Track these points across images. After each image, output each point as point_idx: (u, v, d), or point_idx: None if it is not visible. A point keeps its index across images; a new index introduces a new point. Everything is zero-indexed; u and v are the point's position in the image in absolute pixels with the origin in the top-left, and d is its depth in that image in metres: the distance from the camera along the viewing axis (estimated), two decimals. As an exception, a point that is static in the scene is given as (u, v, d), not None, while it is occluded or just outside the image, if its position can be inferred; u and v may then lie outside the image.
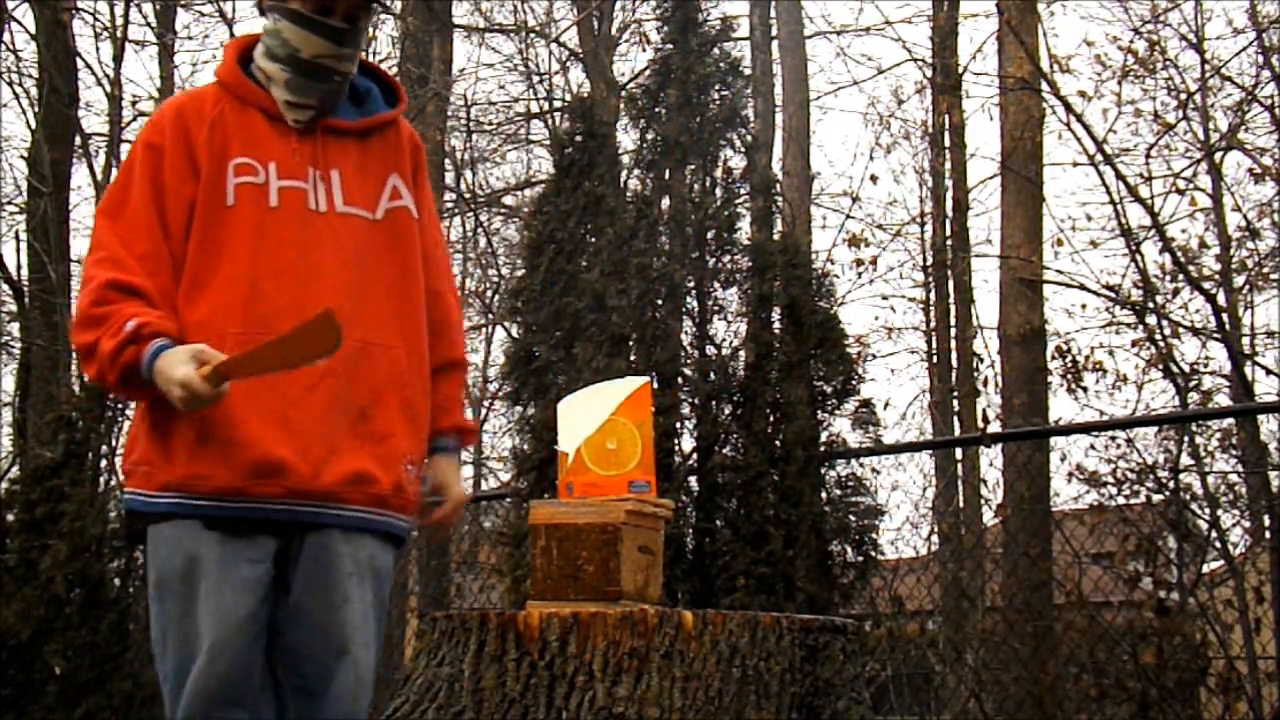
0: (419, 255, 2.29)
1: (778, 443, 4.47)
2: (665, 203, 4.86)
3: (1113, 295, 8.94)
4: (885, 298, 15.43)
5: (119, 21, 9.56)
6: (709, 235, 4.77)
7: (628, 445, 2.36)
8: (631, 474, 2.35)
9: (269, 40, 2.23)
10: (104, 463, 5.79)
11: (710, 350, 4.72)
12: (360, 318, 2.15)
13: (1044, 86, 8.40)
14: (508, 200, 14.59)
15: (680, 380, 4.62)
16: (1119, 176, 8.04)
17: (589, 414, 2.42)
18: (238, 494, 2.09)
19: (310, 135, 2.22)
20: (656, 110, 4.95)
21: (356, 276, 2.19)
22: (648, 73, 5.25)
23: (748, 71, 6.28)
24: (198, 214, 2.16)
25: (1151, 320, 8.17)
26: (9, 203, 10.44)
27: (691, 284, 4.72)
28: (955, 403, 11.75)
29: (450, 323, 2.38)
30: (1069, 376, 8.34)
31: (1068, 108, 7.89)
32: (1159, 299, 8.44)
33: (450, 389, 2.35)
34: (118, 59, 9.46)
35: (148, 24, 10.61)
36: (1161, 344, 7.97)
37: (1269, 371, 9.31)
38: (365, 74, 2.35)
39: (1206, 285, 8.65)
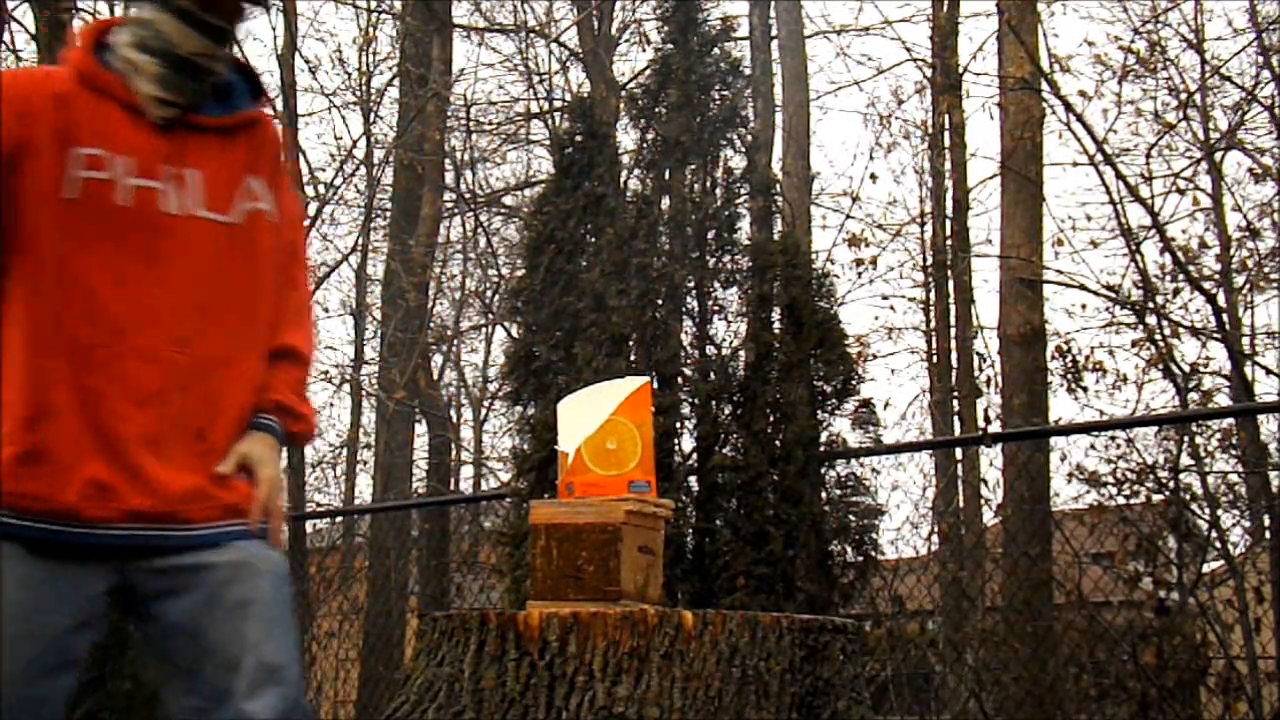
0: (271, 260, 2.19)
1: (778, 443, 4.47)
2: (665, 203, 4.86)
3: (1113, 295, 8.94)
4: (885, 298, 15.47)
5: (119, 21, 9.54)
6: (709, 235, 4.76)
7: (628, 445, 2.36)
8: (631, 474, 2.34)
9: (141, 31, 2.11)
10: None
11: (710, 350, 4.71)
12: (206, 333, 2.06)
13: (1044, 86, 8.40)
14: (508, 200, 14.61)
15: (680, 380, 4.61)
16: (1119, 176, 8.04)
17: (589, 414, 2.41)
18: (72, 518, 1.98)
19: (169, 132, 2.10)
20: (657, 110, 4.95)
21: (206, 287, 2.08)
22: (648, 73, 5.24)
23: (748, 71, 6.28)
24: (22, 199, 2.00)
25: (1151, 320, 8.18)
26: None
27: (691, 284, 4.72)
28: (955, 403, 11.75)
29: (296, 313, 2.27)
30: (1069, 376, 8.34)
31: (1068, 108, 7.90)
32: (1159, 299, 8.44)
33: (280, 371, 2.21)
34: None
35: (147, 24, 10.61)
36: (1161, 344, 7.97)
37: (1269, 371, 9.32)
38: (230, 68, 2.23)
39: (1206, 285, 8.65)
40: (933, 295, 13.14)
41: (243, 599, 2.04)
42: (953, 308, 12.24)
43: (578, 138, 5.01)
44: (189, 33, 2.08)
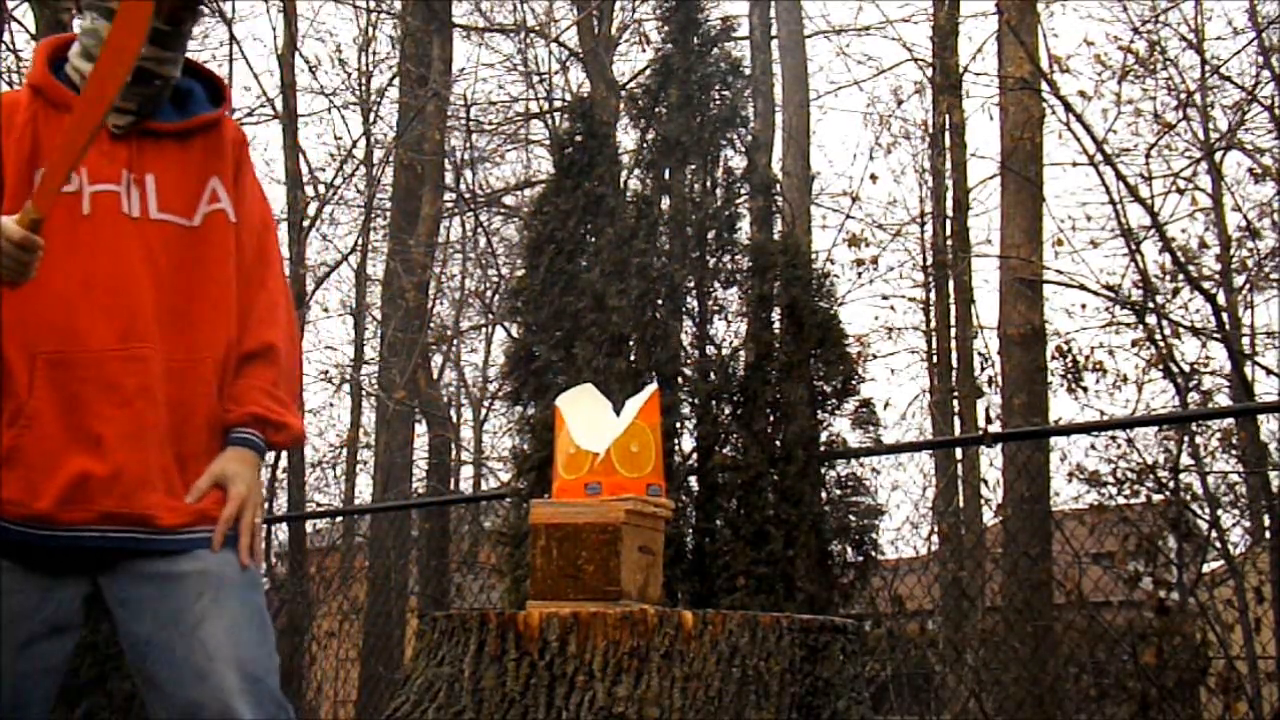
0: (233, 262, 2.18)
1: (778, 443, 4.47)
2: (665, 203, 4.86)
3: (1113, 295, 8.94)
4: (885, 298, 15.46)
5: (119, 21, 9.55)
6: (709, 235, 4.76)
7: (646, 449, 2.36)
8: (649, 477, 2.35)
9: (86, 40, 2.13)
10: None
11: (710, 350, 4.71)
12: (172, 334, 2.07)
13: (1044, 86, 8.40)
14: (508, 200, 14.61)
15: (680, 380, 4.61)
16: (1119, 176, 8.04)
17: (602, 414, 2.41)
18: (47, 522, 1.99)
19: (125, 139, 2.12)
20: (657, 110, 4.95)
21: (169, 288, 2.10)
22: (648, 72, 5.25)
23: (748, 71, 6.28)
24: None
25: (1151, 320, 8.18)
26: (9, 202, 10.41)
27: (691, 284, 4.72)
28: (955, 403, 11.75)
29: (266, 310, 2.24)
30: (1069, 376, 8.34)
31: (1068, 108, 7.90)
32: (1159, 299, 8.44)
33: (252, 378, 2.19)
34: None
35: (147, 24, 10.61)
36: (1161, 344, 7.97)
37: (1269, 371, 9.32)
38: (188, 74, 2.24)
39: (1206, 285, 8.66)
40: (933, 295, 13.14)
41: (210, 610, 2.03)
42: (953, 308, 12.24)
43: (578, 138, 5.01)
44: None
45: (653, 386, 2.48)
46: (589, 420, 2.41)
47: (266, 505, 9.85)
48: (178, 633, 2.02)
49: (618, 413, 2.44)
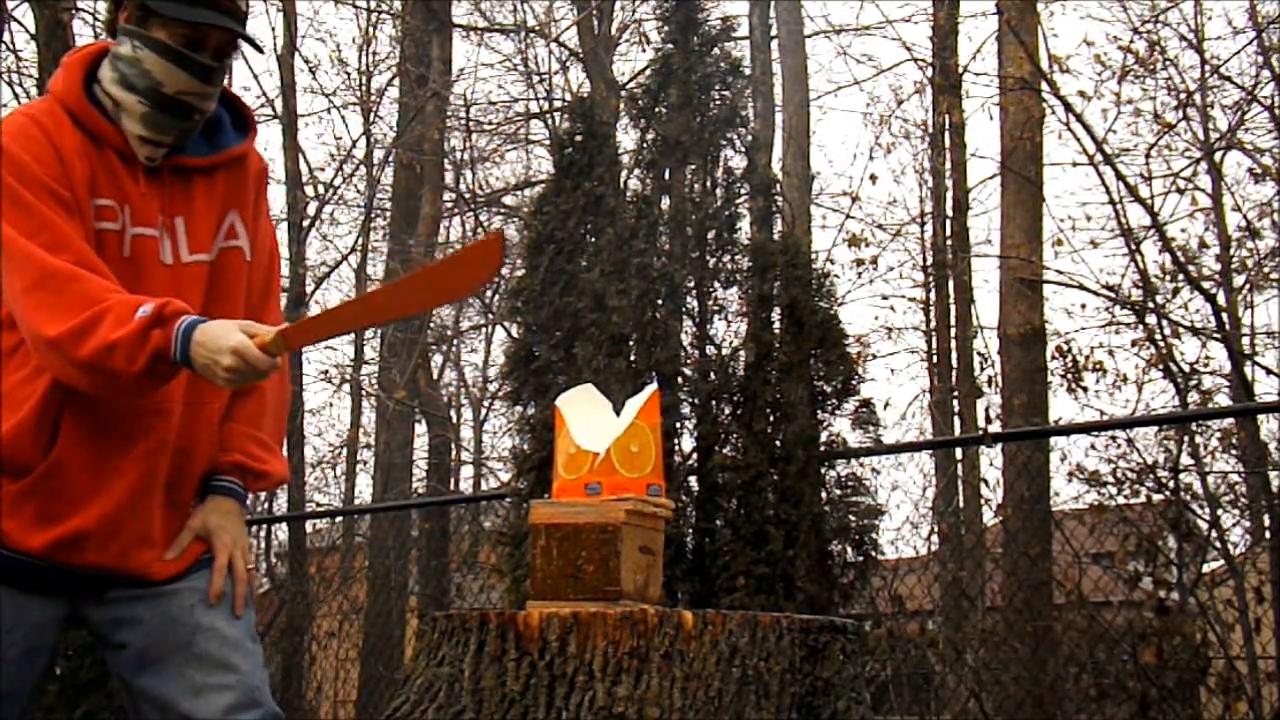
0: (244, 298, 2.14)
1: (778, 443, 4.47)
2: (665, 203, 4.86)
3: (1113, 295, 8.95)
4: (885, 298, 15.48)
5: (119, 21, 9.56)
6: (709, 235, 4.76)
7: (646, 449, 2.36)
8: (649, 477, 2.35)
9: (125, 68, 2.02)
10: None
11: (710, 350, 4.71)
12: (192, 376, 1.99)
13: (1044, 86, 8.40)
14: (508, 200, 14.61)
15: (680, 380, 4.61)
16: (1119, 176, 8.05)
17: (602, 414, 2.41)
18: (43, 558, 1.98)
19: (158, 176, 2.05)
20: (657, 110, 4.95)
21: None
22: (648, 72, 5.24)
23: (748, 71, 6.28)
24: None
25: (1151, 320, 8.18)
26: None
27: (691, 284, 4.72)
28: (955, 403, 11.75)
29: None
30: (1069, 376, 8.34)
31: (1068, 108, 7.90)
32: (1159, 299, 8.44)
33: (238, 419, 2.17)
34: (118, 59, 9.45)
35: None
36: (1161, 344, 7.97)
37: (1269, 371, 9.32)
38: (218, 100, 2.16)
39: (1206, 285, 8.66)
40: (933, 295, 13.15)
41: (201, 625, 2.04)
42: (953, 308, 12.25)
43: (578, 138, 5.01)
44: (174, 71, 2.00)
45: (653, 387, 2.48)
46: (589, 420, 2.40)
47: (266, 505, 9.85)
48: (168, 651, 2.02)
49: (618, 413, 2.43)
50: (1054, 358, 8.40)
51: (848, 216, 12.88)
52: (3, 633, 1.97)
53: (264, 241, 2.22)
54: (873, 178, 13.02)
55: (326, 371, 14.81)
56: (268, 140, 13.15)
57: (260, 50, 2.13)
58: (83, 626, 2.10)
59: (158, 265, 2.03)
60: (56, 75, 2.07)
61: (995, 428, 7.67)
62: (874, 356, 12.96)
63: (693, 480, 4.52)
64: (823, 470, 4.53)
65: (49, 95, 2.06)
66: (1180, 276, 8.38)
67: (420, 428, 13.50)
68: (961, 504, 9.06)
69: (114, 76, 2.04)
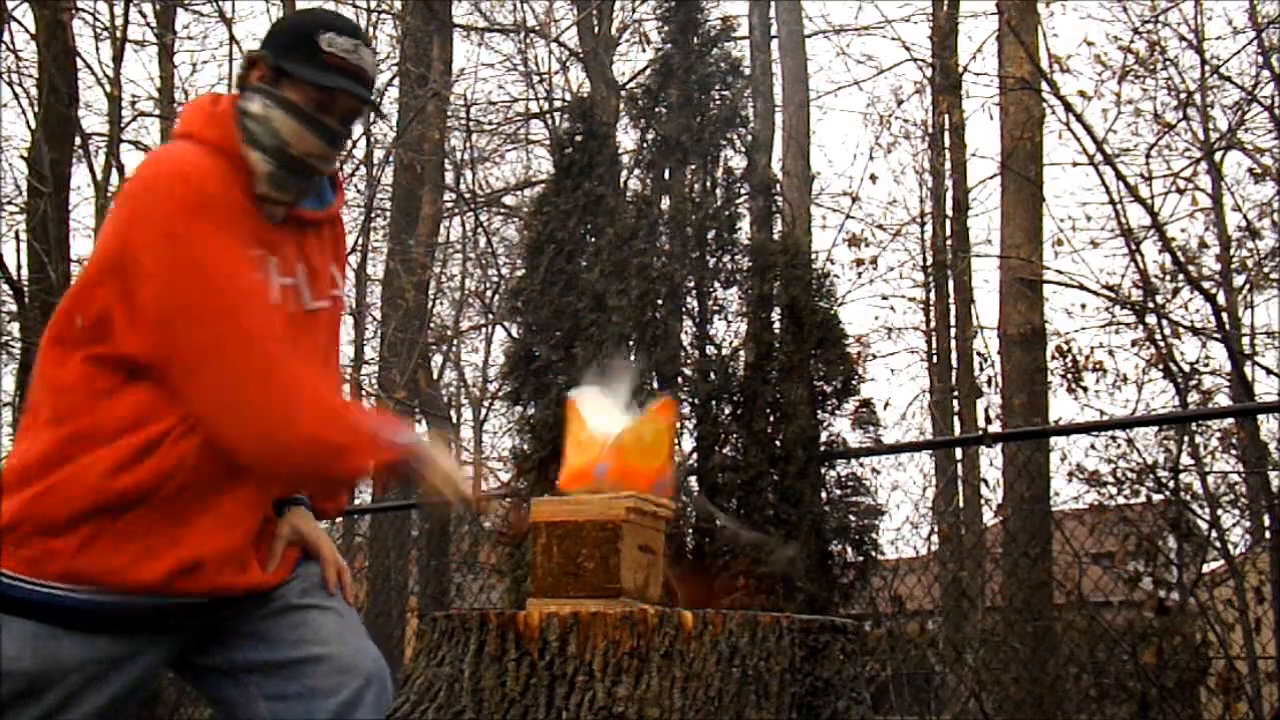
0: (339, 343, 2.29)
1: (778, 443, 4.47)
2: (665, 203, 4.86)
3: (1113, 295, 8.95)
4: (885, 298, 15.47)
5: (119, 21, 9.58)
6: (709, 235, 4.77)
7: (660, 442, 2.36)
8: (659, 469, 2.35)
9: (253, 125, 2.04)
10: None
11: (710, 350, 4.72)
12: None
13: (1044, 86, 8.40)
14: (508, 200, 14.62)
15: (680, 380, 4.62)
16: (1119, 176, 8.04)
17: (616, 406, 2.41)
18: (153, 592, 1.96)
19: (285, 227, 2.10)
20: (657, 110, 4.95)
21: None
22: (648, 73, 5.25)
23: (748, 71, 6.28)
24: None
25: (1151, 320, 8.18)
26: (9, 203, 10.44)
27: (691, 284, 4.72)
28: (955, 403, 11.76)
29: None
30: (1069, 376, 8.34)
31: (1068, 108, 7.90)
32: (1159, 299, 8.44)
33: None
34: (117, 59, 9.47)
35: (147, 24, 10.64)
36: (1161, 344, 7.97)
37: (1269, 371, 9.32)
38: None
39: (1206, 285, 8.66)
40: (933, 295, 13.16)
41: (316, 603, 2.14)
42: (953, 308, 12.26)
43: (578, 138, 5.02)
44: (303, 133, 2.04)
45: (666, 397, 2.50)
46: (602, 410, 2.41)
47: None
48: (292, 644, 2.09)
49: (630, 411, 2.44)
50: (1054, 358, 8.40)
51: (848, 216, 12.89)
52: (112, 678, 1.97)
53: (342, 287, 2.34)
54: (873, 178, 13.05)
55: (326, 371, 14.78)
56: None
57: (383, 117, 2.20)
58: (183, 670, 2.12)
59: (300, 310, 2.10)
60: (203, 122, 2.07)
61: (995, 428, 7.67)
62: (874, 356, 12.98)
63: (693, 480, 4.52)
64: (823, 470, 4.54)
65: (195, 140, 2.05)
66: (1180, 276, 8.38)
67: (420, 428, 13.51)
68: (961, 504, 9.05)
69: (241, 135, 2.06)
